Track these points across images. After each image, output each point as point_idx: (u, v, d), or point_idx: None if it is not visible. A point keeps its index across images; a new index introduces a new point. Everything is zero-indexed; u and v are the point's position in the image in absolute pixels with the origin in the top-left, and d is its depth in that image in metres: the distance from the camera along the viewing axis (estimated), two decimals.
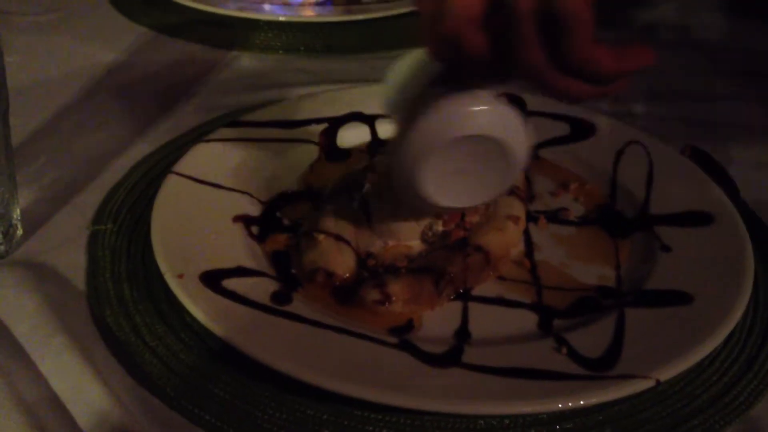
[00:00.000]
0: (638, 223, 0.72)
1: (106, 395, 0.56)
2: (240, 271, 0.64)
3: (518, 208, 0.70)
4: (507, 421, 0.56)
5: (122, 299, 0.63)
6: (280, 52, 1.00)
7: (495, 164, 0.61)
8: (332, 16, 1.05)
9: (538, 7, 0.51)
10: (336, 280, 0.64)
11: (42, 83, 0.91)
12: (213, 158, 0.75)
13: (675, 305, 0.62)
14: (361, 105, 0.83)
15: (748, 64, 1.00)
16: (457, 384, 0.56)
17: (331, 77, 0.94)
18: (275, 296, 0.62)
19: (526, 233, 0.71)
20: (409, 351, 0.58)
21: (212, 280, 0.62)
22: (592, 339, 0.60)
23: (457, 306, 0.64)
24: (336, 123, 0.81)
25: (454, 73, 0.57)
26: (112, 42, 1.00)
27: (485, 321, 0.62)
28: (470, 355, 0.58)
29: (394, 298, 0.62)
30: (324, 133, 0.81)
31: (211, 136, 0.77)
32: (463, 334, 0.61)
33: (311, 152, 0.79)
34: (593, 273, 0.67)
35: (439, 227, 0.67)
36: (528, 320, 0.63)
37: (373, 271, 0.66)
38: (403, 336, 0.60)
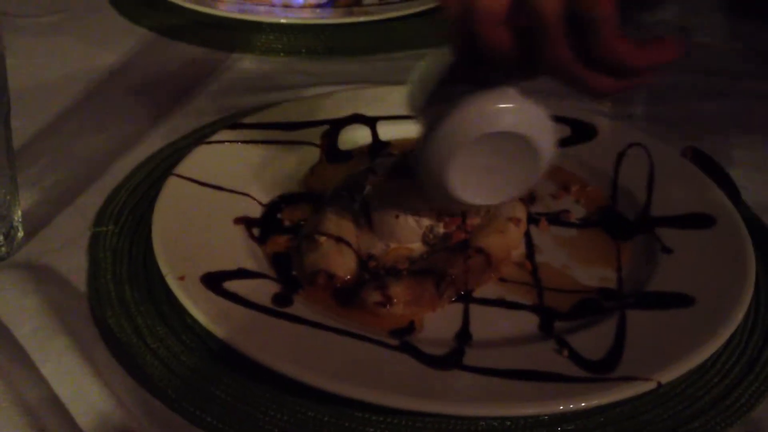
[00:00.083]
0: (639, 225, 0.72)
1: (107, 397, 0.56)
2: (241, 273, 0.64)
3: (519, 210, 0.70)
4: (508, 423, 0.56)
5: (123, 301, 0.63)
6: (282, 54, 1.00)
7: (521, 161, 0.61)
8: (333, 18, 1.05)
9: (563, 6, 0.51)
10: (337, 281, 0.64)
11: (43, 85, 0.91)
12: (214, 160, 0.75)
13: (676, 307, 0.62)
14: (362, 107, 0.83)
15: (749, 65, 1.01)
16: (458, 386, 0.56)
17: (332, 79, 0.94)
18: (276, 298, 0.62)
19: (528, 235, 0.71)
20: (410, 353, 0.58)
21: (213, 281, 0.62)
22: (593, 341, 0.59)
23: (458, 308, 0.64)
24: (337, 125, 0.82)
25: (480, 71, 0.58)
26: (113, 44, 1.00)
27: (486, 323, 0.62)
28: (471, 356, 0.58)
29: (395, 300, 0.62)
30: (325, 135, 0.81)
31: (213, 138, 0.77)
32: (464, 335, 0.61)
33: (312, 154, 0.79)
34: (594, 275, 0.67)
35: (440, 229, 0.67)
36: (529, 322, 0.63)
37: (374, 273, 0.66)
38: (404, 338, 0.60)
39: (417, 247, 0.68)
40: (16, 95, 0.67)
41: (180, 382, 0.57)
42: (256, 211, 0.72)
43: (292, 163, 0.77)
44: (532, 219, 0.72)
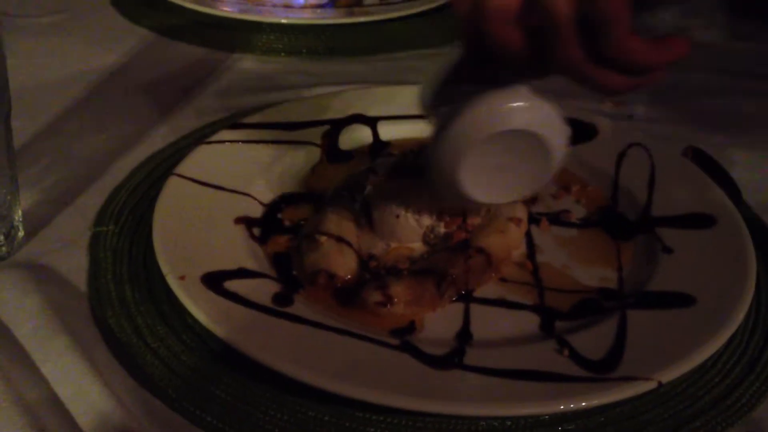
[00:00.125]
0: (640, 225, 0.72)
1: (107, 396, 0.56)
2: (241, 273, 0.64)
3: (520, 210, 0.70)
4: (509, 423, 0.56)
5: (124, 301, 0.63)
6: (282, 54, 1.00)
7: (533, 159, 0.61)
8: (334, 18, 1.05)
9: (575, 6, 0.51)
10: (337, 281, 0.64)
11: (44, 85, 0.91)
12: (215, 160, 0.75)
13: (677, 307, 0.62)
14: (362, 107, 0.83)
15: (749, 65, 1.00)
16: (458, 386, 0.56)
17: (332, 79, 0.94)
18: (277, 298, 0.62)
19: (528, 235, 0.71)
20: (411, 353, 0.58)
21: (214, 281, 0.62)
22: (594, 341, 0.59)
23: (458, 308, 0.64)
24: (338, 125, 0.82)
25: (491, 70, 0.58)
26: (114, 44, 1.00)
27: (487, 323, 0.62)
28: (472, 356, 0.58)
29: (395, 300, 0.62)
30: (326, 135, 0.81)
31: (213, 138, 0.77)
32: (464, 335, 0.61)
33: (313, 154, 0.79)
34: (595, 275, 0.67)
35: (441, 229, 0.67)
36: (530, 322, 0.63)
37: (374, 273, 0.66)
38: (404, 337, 0.60)
39: (418, 246, 0.68)
40: (17, 95, 0.67)
41: (180, 381, 0.57)
42: (256, 211, 0.72)
43: (293, 163, 0.77)
44: (533, 219, 0.72)
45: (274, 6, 1.06)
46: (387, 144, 0.81)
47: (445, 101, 0.62)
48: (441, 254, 0.66)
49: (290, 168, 0.77)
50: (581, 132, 0.81)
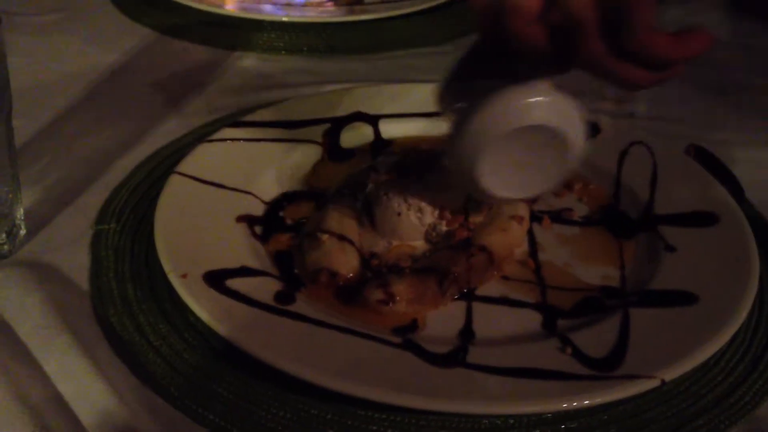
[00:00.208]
0: (642, 223, 0.72)
1: (109, 395, 0.56)
2: (243, 271, 0.64)
3: (522, 208, 0.70)
4: (511, 421, 0.56)
5: (126, 299, 0.63)
6: (283, 52, 1.00)
7: (552, 155, 0.61)
8: (335, 16, 1.05)
9: (598, 2, 0.51)
10: (339, 279, 0.64)
11: (45, 84, 0.91)
12: (216, 158, 0.75)
13: (680, 305, 0.62)
14: (364, 105, 0.83)
15: (752, 62, 1.00)
16: (461, 384, 0.56)
17: (333, 77, 0.94)
18: (279, 296, 0.62)
19: (530, 233, 0.71)
20: (413, 351, 0.58)
21: (216, 279, 0.62)
22: (596, 339, 0.59)
23: (461, 306, 0.64)
24: (339, 123, 0.81)
25: (511, 65, 0.58)
26: (115, 43, 1.00)
27: (489, 321, 0.62)
28: (474, 354, 0.58)
29: (397, 298, 0.62)
30: (327, 133, 0.81)
31: (215, 136, 0.77)
32: (467, 333, 0.61)
33: (314, 152, 0.79)
34: (597, 273, 0.67)
35: (443, 227, 0.67)
36: (532, 320, 0.63)
37: (376, 271, 0.65)
38: (406, 336, 0.60)
39: (420, 244, 0.68)
40: (18, 94, 0.67)
41: (183, 379, 0.57)
42: (258, 209, 0.71)
43: (295, 161, 0.77)
44: (535, 217, 0.72)
45: (275, 4, 1.06)
46: (388, 142, 0.81)
47: (462, 97, 0.62)
48: (443, 252, 0.66)
49: (292, 166, 0.77)
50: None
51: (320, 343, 0.58)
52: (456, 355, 0.58)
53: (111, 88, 0.92)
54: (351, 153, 0.80)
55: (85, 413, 0.55)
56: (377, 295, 0.62)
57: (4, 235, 0.67)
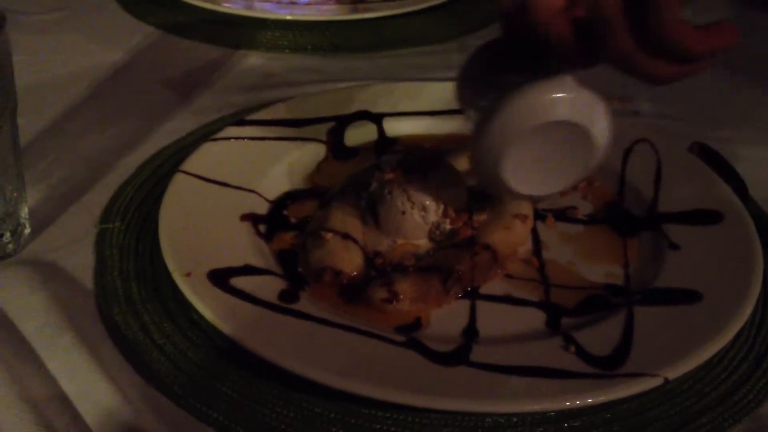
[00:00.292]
0: (647, 221, 0.72)
1: (114, 393, 0.56)
2: (247, 270, 0.64)
3: (526, 207, 0.70)
4: (515, 419, 0.56)
5: (130, 298, 0.63)
6: (287, 51, 1.00)
7: (577, 151, 0.60)
8: (339, 15, 1.05)
9: None
10: (343, 278, 0.64)
11: (49, 82, 0.91)
12: (220, 157, 0.75)
13: (683, 303, 0.62)
14: (367, 104, 0.83)
15: (756, 60, 1.00)
16: (464, 382, 0.56)
17: (337, 76, 0.94)
18: (283, 294, 0.62)
19: (534, 231, 0.71)
20: (417, 349, 0.58)
21: (220, 278, 0.62)
22: (600, 337, 0.59)
23: (464, 304, 0.64)
24: (343, 121, 0.81)
25: (535, 61, 0.57)
26: (119, 41, 1.00)
27: (493, 319, 0.62)
28: (478, 353, 0.58)
29: (401, 297, 0.62)
30: (331, 131, 0.81)
31: (219, 134, 0.77)
32: (470, 332, 0.61)
33: (318, 151, 0.79)
34: (601, 271, 0.67)
35: (447, 225, 0.67)
36: (536, 318, 0.63)
37: (380, 270, 0.65)
38: (410, 334, 0.60)
39: (423, 243, 0.68)
40: (22, 93, 0.67)
41: (187, 378, 0.57)
42: (262, 208, 0.72)
43: (299, 160, 0.77)
44: (539, 215, 0.72)
45: (279, 2, 1.06)
46: (392, 140, 0.81)
47: (482, 94, 0.61)
48: (447, 251, 0.66)
49: (296, 165, 0.77)
50: None
51: (324, 341, 0.58)
52: (459, 354, 0.58)
53: (115, 87, 0.92)
54: (355, 151, 0.80)
55: (89, 412, 0.55)
56: (381, 293, 0.62)
57: (8, 234, 0.67)
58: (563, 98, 0.58)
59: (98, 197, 0.74)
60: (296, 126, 0.80)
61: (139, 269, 0.66)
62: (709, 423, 0.56)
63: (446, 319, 0.62)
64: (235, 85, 0.93)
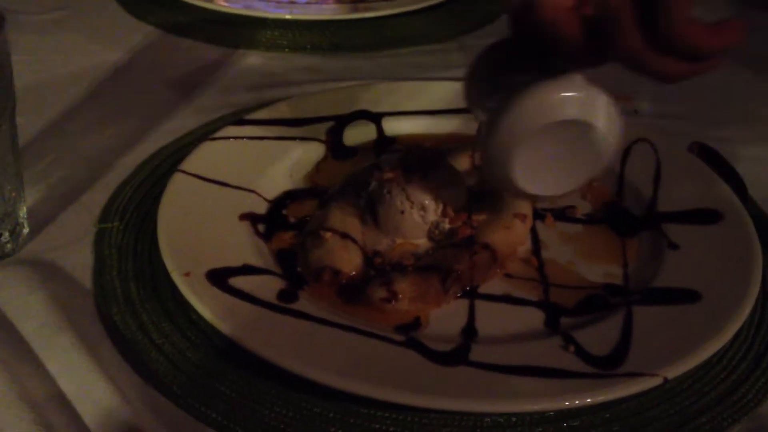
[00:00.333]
0: (646, 220, 0.72)
1: (112, 393, 0.56)
2: (246, 269, 0.64)
3: (525, 206, 0.70)
4: (514, 419, 0.56)
5: (129, 297, 0.63)
6: (287, 50, 1.00)
7: (587, 150, 0.59)
8: (338, 14, 1.05)
9: None
10: (342, 278, 0.64)
11: (48, 82, 0.91)
12: (219, 156, 0.75)
13: (683, 303, 0.62)
14: (367, 103, 0.83)
15: (756, 60, 1.00)
16: (463, 382, 0.56)
17: (337, 75, 0.94)
18: (282, 294, 0.62)
19: (533, 231, 0.71)
20: (416, 349, 0.58)
21: (219, 278, 0.62)
22: (599, 337, 0.59)
23: (463, 304, 0.63)
24: (342, 121, 0.81)
25: (543, 60, 0.57)
26: (119, 40, 1.00)
27: (492, 319, 0.62)
28: (477, 352, 0.58)
29: (400, 296, 0.62)
30: (330, 131, 0.81)
31: (218, 134, 0.77)
32: (470, 331, 0.61)
33: (317, 150, 0.79)
34: (601, 271, 0.67)
35: (446, 225, 0.67)
36: (535, 318, 0.63)
37: (379, 269, 0.65)
38: (409, 334, 0.60)
39: (422, 242, 0.68)
40: (21, 92, 0.67)
41: (185, 378, 0.57)
42: (261, 208, 0.72)
43: (298, 159, 0.77)
44: (538, 215, 0.72)
45: (279, 2, 1.06)
46: (391, 140, 0.81)
47: (490, 93, 0.61)
48: (446, 250, 0.66)
49: (295, 164, 0.77)
50: None
51: (323, 341, 0.58)
52: (459, 353, 0.58)
53: (114, 87, 0.92)
54: (354, 151, 0.80)
55: (87, 411, 0.55)
56: (380, 293, 0.62)
57: (7, 234, 0.67)
58: (573, 97, 0.58)
59: (97, 197, 0.74)
60: (295, 125, 0.80)
61: (137, 269, 0.66)
62: (708, 422, 0.56)
63: (445, 318, 0.62)
64: (234, 84, 0.93)
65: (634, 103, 0.89)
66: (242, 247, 0.66)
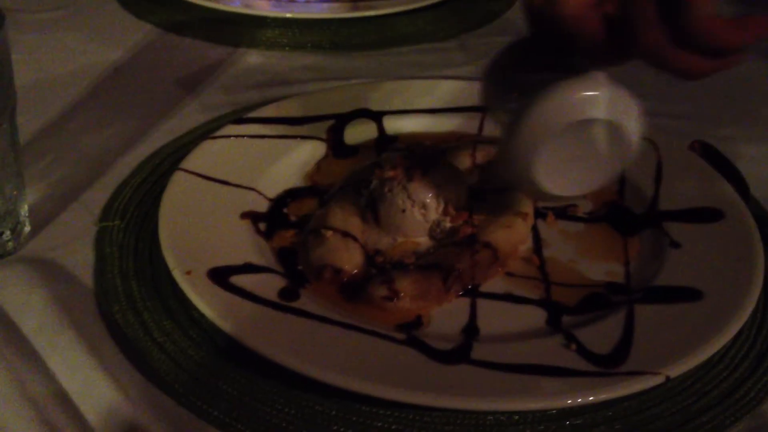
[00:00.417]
0: (647, 219, 0.72)
1: (114, 391, 0.56)
2: (247, 268, 0.64)
3: (526, 204, 0.70)
4: (516, 417, 0.56)
5: (130, 296, 0.63)
6: (287, 48, 1.00)
7: (610, 149, 0.59)
8: (339, 12, 1.05)
9: None
10: (343, 276, 0.64)
11: (49, 81, 0.91)
12: (220, 155, 0.75)
13: (684, 301, 0.62)
14: (367, 101, 0.83)
15: (757, 59, 1.00)
16: (465, 380, 0.56)
17: (338, 74, 0.94)
18: (283, 293, 0.62)
19: (535, 229, 0.70)
20: (418, 347, 0.58)
21: (220, 276, 0.62)
22: (601, 335, 0.59)
23: (465, 302, 0.63)
24: (343, 119, 0.81)
25: (564, 58, 0.57)
26: (119, 39, 1.00)
27: (493, 317, 0.62)
28: (478, 351, 0.58)
29: (402, 295, 0.62)
30: (331, 129, 0.80)
31: (218, 132, 0.77)
32: (471, 330, 0.61)
33: (318, 149, 0.79)
34: (602, 269, 0.67)
35: (447, 223, 0.67)
36: (536, 317, 0.63)
37: (380, 268, 0.65)
38: (411, 332, 0.60)
39: (424, 241, 0.68)
40: (21, 91, 0.67)
41: (187, 376, 0.57)
42: (262, 206, 0.71)
43: (298, 158, 0.77)
44: (539, 213, 0.72)
45: (279, 0, 1.06)
46: (392, 138, 0.81)
47: (511, 95, 0.60)
48: (447, 249, 0.66)
49: (295, 163, 0.77)
50: None
51: (324, 339, 0.58)
52: (460, 352, 0.58)
53: (115, 86, 0.92)
54: (355, 149, 0.80)
55: (89, 410, 0.55)
56: (381, 291, 0.62)
57: (8, 232, 0.67)
58: (596, 96, 0.57)
59: (98, 195, 0.74)
60: (296, 124, 0.80)
61: (139, 267, 0.66)
62: (710, 421, 0.56)
63: (447, 317, 0.62)
64: (234, 83, 0.93)
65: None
66: (243, 245, 0.66)
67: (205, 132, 0.80)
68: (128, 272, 0.65)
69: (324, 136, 0.80)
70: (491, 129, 0.79)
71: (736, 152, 0.80)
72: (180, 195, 0.69)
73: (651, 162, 0.76)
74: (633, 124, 0.58)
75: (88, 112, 0.86)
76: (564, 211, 0.73)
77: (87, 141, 0.81)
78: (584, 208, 0.73)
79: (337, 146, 0.80)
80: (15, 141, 0.66)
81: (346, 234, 0.66)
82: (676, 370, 0.56)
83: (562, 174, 0.60)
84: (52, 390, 0.56)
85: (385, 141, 0.81)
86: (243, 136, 0.77)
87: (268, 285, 0.62)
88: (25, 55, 0.90)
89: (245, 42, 1.00)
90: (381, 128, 0.82)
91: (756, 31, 0.51)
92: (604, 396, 0.55)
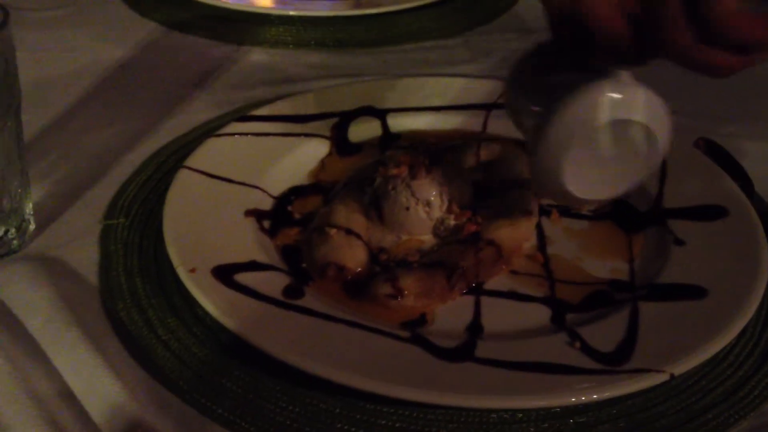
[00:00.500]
0: (652, 216, 0.71)
1: (119, 389, 0.56)
2: (252, 266, 0.64)
3: (530, 202, 0.70)
4: (520, 415, 0.56)
5: (135, 293, 0.63)
6: (291, 46, 1.00)
7: (637, 151, 0.58)
8: (342, 10, 1.05)
9: None
10: (347, 274, 0.64)
11: (53, 79, 0.91)
12: (224, 153, 0.75)
13: (689, 299, 0.62)
14: (371, 99, 0.83)
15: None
16: (469, 378, 0.56)
17: (341, 71, 0.94)
18: (287, 290, 0.62)
19: (539, 227, 0.70)
20: (422, 345, 0.58)
21: (224, 274, 0.62)
22: (605, 333, 0.59)
23: (469, 300, 0.63)
24: (347, 117, 0.81)
25: (589, 59, 0.56)
26: (123, 37, 1.00)
27: (498, 315, 0.62)
28: (483, 349, 0.58)
29: (406, 293, 0.62)
30: (335, 127, 0.80)
31: (223, 130, 0.77)
32: (475, 328, 0.61)
33: (322, 147, 0.79)
34: (606, 267, 0.67)
35: (451, 221, 0.67)
36: (541, 314, 0.63)
37: (384, 266, 0.65)
38: (415, 330, 0.60)
39: (428, 239, 0.68)
40: (26, 89, 0.66)
41: (192, 374, 0.57)
42: (266, 204, 0.72)
43: (303, 156, 0.77)
44: (544, 211, 0.72)
45: None
46: (396, 136, 0.81)
47: (534, 96, 0.59)
48: (451, 246, 0.66)
49: (300, 160, 0.77)
50: None
51: (328, 337, 0.58)
52: (464, 350, 0.58)
53: (119, 83, 0.92)
54: (359, 147, 0.80)
55: (94, 407, 0.55)
56: (385, 289, 0.62)
57: (13, 230, 0.67)
58: (624, 96, 0.56)
59: (102, 193, 0.74)
60: (300, 122, 0.80)
61: (143, 265, 0.66)
62: (714, 419, 0.56)
63: (451, 315, 0.62)
64: (238, 81, 0.93)
65: None
66: (247, 243, 0.66)
67: (210, 130, 0.80)
68: (133, 270, 0.66)
69: (328, 133, 0.80)
70: (495, 126, 0.80)
71: (741, 150, 0.80)
72: (184, 193, 0.69)
73: None
74: (661, 124, 0.57)
75: (93, 110, 0.87)
76: (568, 209, 0.72)
77: (91, 139, 0.81)
78: (588, 205, 0.73)
79: (341, 144, 0.80)
80: (20, 139, 0.66)
81: (350, 232, 0.66)
82: (680, 368, 0.56)
83: (590, 177, 0.58)
84: (57, 387, 0.56)
85: (389, 139, 0.81)
86: (247, 133, 0.77)
87: (273, 283, 0.63)
88: (30, 53, 0.89)
89: (249, 40, 1.00)
90: (385, 126, 0.82)
91: None
92: (608, 394, 0.55)
